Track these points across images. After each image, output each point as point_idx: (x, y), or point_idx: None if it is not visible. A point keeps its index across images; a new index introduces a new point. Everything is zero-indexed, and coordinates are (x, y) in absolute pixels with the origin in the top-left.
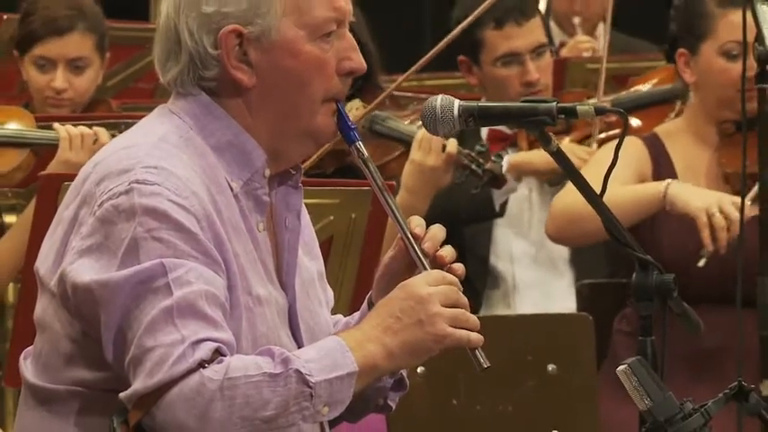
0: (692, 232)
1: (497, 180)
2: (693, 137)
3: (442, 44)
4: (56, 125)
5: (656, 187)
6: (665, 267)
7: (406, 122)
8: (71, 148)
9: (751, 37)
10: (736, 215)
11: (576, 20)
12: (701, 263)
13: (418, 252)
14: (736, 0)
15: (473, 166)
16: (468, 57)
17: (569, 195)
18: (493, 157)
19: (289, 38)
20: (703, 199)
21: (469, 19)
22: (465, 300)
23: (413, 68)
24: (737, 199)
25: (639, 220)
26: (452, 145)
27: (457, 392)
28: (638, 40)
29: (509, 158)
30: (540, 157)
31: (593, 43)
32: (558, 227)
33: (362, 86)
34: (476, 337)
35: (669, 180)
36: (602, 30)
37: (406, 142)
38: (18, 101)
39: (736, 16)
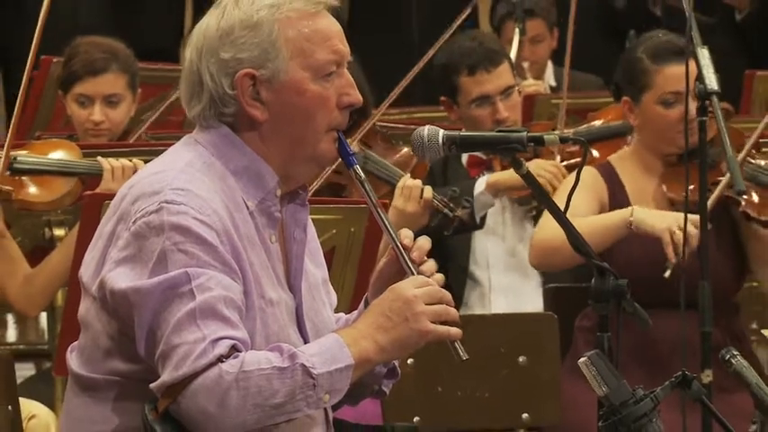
0: (648, 250)
1: (465, 224)
2: (641, 166)
3: (402, 83)
4: (100, 158)
5: (623, 214)
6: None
7: (397, 155)
8: (113, 179)
9: (683, 86)
10: (693, 231)
11: (525, 64)
12: (667, 274)
13: (407, 260)
14: (669, 57)
15: (445, 211)
16: (448, 98)
17: (545, 230)
18: (463, 202)
19: (296, 79)
20: (665, 220)
21: (421, 63)
22: (448, 296)
23: (383, 105)
24: (694, 217)
25: (611, 243)
26: (428, 192)
27: (441, 380)
28: (582, 73)
29: (486, 178)
30: (512, 177)
31: (538, 86)
32: (537, 257)
33: (357, 121)
34: (455, 332)
35: (633, 207)
36: (549, 72)
37: (392, 184)
38: (64, 132)
39: (669, 71)
